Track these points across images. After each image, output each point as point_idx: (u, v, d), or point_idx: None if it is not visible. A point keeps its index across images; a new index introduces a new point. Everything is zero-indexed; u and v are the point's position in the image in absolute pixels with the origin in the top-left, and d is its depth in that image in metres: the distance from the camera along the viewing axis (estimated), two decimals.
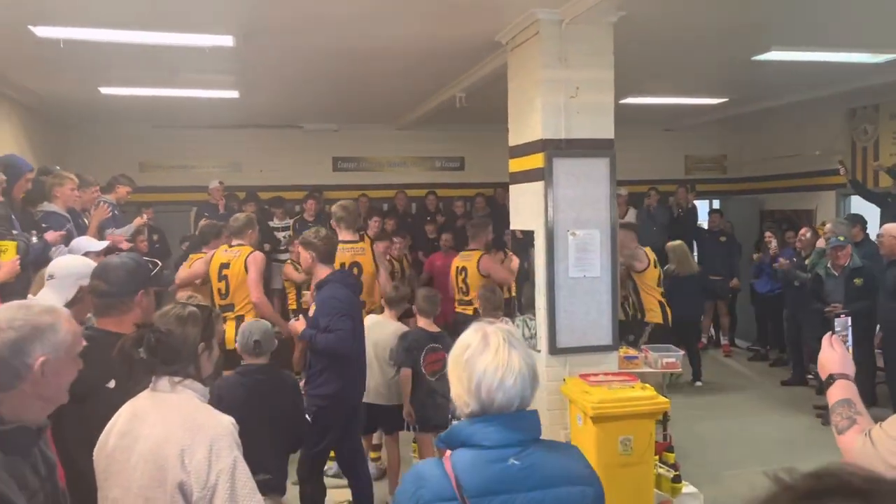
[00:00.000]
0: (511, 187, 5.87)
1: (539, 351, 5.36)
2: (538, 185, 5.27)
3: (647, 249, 7.31)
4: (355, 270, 5.83)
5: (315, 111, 9.87)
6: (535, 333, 5.43)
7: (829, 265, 7.13)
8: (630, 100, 8.78)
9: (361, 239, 6.08)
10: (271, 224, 10.17)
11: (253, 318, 5.26)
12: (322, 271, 4.59)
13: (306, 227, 9.47)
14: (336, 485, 5.22)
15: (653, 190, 10.98)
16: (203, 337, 2.35)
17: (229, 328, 5.53)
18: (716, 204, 12.35)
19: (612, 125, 5.29)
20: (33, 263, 4.60)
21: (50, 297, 3.17)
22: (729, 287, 10.22)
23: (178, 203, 10.60)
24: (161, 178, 10.79)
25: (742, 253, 10.26)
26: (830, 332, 2.09)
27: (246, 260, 5.91)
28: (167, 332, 2.29)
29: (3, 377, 1.79)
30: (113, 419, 2.25)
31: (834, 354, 2.03)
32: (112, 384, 2.53)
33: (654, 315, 7.13)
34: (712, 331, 10.85)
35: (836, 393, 1.96)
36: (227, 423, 2.17)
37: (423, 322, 5.39)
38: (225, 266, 5.96)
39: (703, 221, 11.44)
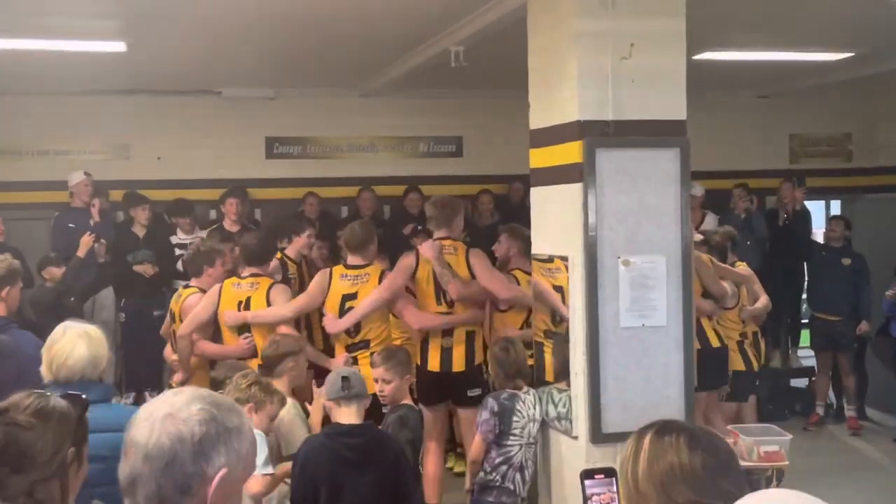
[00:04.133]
0: (533, 190, 5.86)
1: (576, 437, 5.34)
2: (573, 189, 5.25)
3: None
4: None
5: (240, 70, 9.84)
6: (568, 412, 5.43)
7: None
8: (707, 55, 8.79)
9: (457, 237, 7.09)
10: (173, 240, 10.12)
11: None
12: None
13: (230, 240, 9.45)
14: None
15: (742, 187, 10.97)
16: (74, 441, 2.42)
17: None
18: (836, 208, 12.36)
19: (684, 99, 5.29)
20: None
21: None
22: (855, 334, 10.20)
23: (34, 207, 10.54)
24: (7, 170, 10.73)
25: (875, 282, 10.24)
26: None
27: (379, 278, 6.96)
28: (26, 424, 2.37)
29: (167, 487, 1.92)
30: None
31: None
32: None
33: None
34: (832, 396, 10.82)
35: None
36: None
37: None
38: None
39: (819, 231, 11.44)
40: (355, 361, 6.58)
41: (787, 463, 6.01)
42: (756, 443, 5.91)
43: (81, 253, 9.09)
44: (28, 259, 9.34)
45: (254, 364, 6.72)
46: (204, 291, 7.20)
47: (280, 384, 5.42)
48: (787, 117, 12.43)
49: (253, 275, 7.05)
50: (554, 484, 5.64)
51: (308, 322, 7.71)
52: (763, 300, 8.35)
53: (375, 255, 7.19)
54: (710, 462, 2.24)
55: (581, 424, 5.27)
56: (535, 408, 5.66)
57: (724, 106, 11.71)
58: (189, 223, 10.23)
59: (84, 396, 2.69)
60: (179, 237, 10.14)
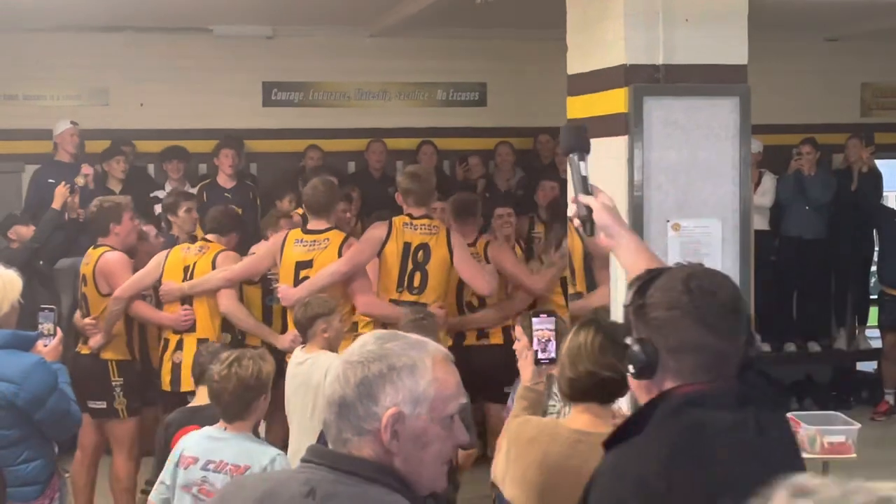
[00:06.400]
0: None
1: None
2: (617, 143, 5.28)
3: None
4: (420, 255, 6.96)
5: (234, 5, 9.85)
6: None
7: None
8: None
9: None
10: (159, 195, 10.12)
11: None
12: None
13: (221, 198, 9.47)
14: None
15: (807, 143, 10.94)
16: None
17: None
18: None
19: (745, 40, 5.30)
20: None
21: None
22: None
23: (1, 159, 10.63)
24: None
25: None
26: None
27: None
28: None
29: (346, 430, 2.22)
30: None
31: None
32: None
33: None
34: None
35: None
36: None
37: None
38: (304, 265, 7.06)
39: (890, 194, 11.41)
40: None
41: (854, 455, 6.03)
42: (820, 432, 5.93)
43: (57, 205, 8.82)
44: None
45: (190, 338, 6.99)
46: (116, 249, 7.30)
47: (313, 347, 5.71)
48: (858, 64, 12.29)
49: (203, 239, 7.27)
50: None
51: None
52: None
53: (339, 219, 7.39)
54: (608, 345, 3.37)
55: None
56: None
57: (786, 50, 11.58)
58: (180, 171, 10.27)
59: None
60: (167, 192, 10.07)
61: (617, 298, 5.37)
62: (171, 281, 7.14)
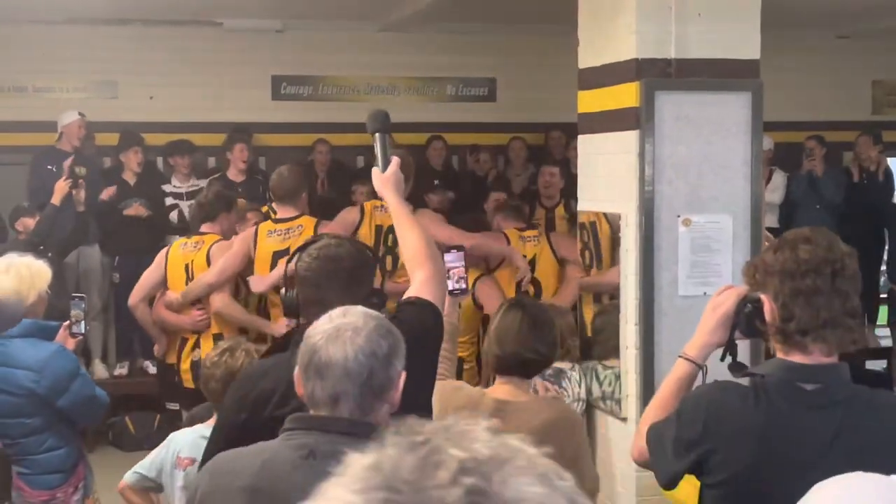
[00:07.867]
0: (580, 138, 5.87)
1: (624, 419, 5.37)
2: (628, 137, 5.27)
3: None
4: (391, 240, 6.80)
5: None
6: (614, 390, 5.45)
7: None
8: None
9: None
10: (166, 188, 10.14)
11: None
12: None
13: (233, 191, 9.49)
14: None
15: (812, 139, 10.91)
16: None
17: None
18: None
19: (758, 34, 5.29)
20: None
21: None
22: None
23: (9, 150, 10.64)
24: None
25: None
26: None
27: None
28: None
29: (368, 397, 2.55)
30: None
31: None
32: None
33: None
34: None
35: None
36: None
37: None
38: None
39: None
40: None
41: None
42: None
43: (56, 200, 8.83)
44: (1, 209, 9.44)
45: (206, 336, 6.94)
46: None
47: None
48: (869, 61, 12.29)
49: (200, 233, 7.19)
50: (601, 473, 5.63)
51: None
52: None
53: (307, 205, 7.31)
54: (533, 328, 4.01)
55: (631, 404, 5.28)
56: (580, 386, 5.67)
57: (797, 48, 11.56)
58: (188, 166, 10.23)
59: None
60: (174, 185, 10.11)
61: (626, 284, 5.38)
62: (169, 291, 7.07)
